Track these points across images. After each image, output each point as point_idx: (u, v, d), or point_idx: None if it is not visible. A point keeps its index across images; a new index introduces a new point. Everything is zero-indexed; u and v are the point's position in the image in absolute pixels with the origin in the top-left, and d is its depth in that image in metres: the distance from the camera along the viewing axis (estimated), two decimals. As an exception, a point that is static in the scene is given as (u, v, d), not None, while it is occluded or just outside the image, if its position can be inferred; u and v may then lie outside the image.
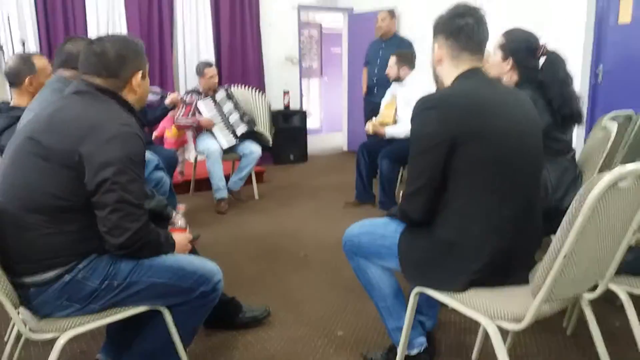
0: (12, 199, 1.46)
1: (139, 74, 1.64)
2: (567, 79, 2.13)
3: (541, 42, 2.17)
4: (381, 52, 5.23)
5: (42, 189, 1.45)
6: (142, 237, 1.52)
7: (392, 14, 5.30)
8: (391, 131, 4.08)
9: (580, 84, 4.69)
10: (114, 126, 1.47)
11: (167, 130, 4.73)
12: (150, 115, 4.16)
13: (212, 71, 4.57)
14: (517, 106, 1.60)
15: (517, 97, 1.65)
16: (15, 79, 2.28)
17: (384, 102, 4.45)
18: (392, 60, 4.14)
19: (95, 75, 1.59)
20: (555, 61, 2.13)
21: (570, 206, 1.25)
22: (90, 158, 1.43)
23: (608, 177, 1.22)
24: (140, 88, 1.66)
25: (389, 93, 4.47)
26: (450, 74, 1.64)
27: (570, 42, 4.56)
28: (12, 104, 2.41)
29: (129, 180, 1.47)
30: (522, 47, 2.15)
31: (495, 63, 2.18)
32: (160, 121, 4.48)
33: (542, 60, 2.17)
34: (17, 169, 1.49)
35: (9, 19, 4.73)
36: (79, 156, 1.43)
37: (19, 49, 4.62)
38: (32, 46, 4.95)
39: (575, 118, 2.14)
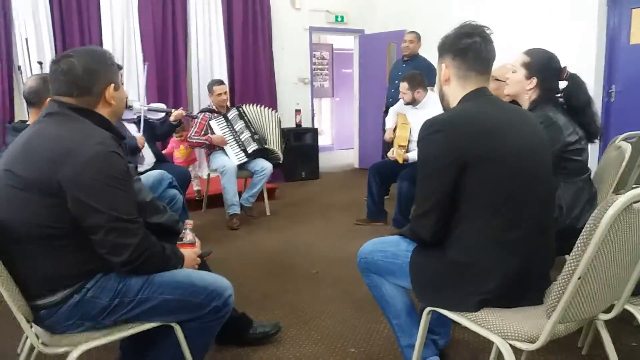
0: (7, 230, 1.45)
1: (111, 87, 1.58)
2: (590, 100, 2.19)
3: (561, 61, 2.19)
4: (401, 73, 5.28)
5: (26, 220, 1.43)
6: (145, 250, 1.51)
7: (418, 36, 5.33)
8: (413, 157, 4.05)
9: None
10: (88, 148, 1.42)
11: (175, 150, 4.81)
12: (158, 131, 4.23)
13: (222, 89, 4.64)
14: (525, 126, 1.60)
15: (524, 117, 1.65)
16: (35, 98, 2.30)
17: (389, 124, 4.45)
18: (404, 86, 4.10)
19: (66, 95, 1.53)
20: (579, 83, 2.17)
21: (585, 227, 1.25)
22: (69, 184, 1.40)
23: (623, 198, 1.21)
24: (115, 100, 1.60)
25: (392, 114, 4.47)
26: (456, 93, 1.65)
27: (582, 62, 4.57)
28: (29, 123, 2.45)
29: (114, 198, 1.44)
30: (547, 67, 2.15)
31: (517, 81, 2.17)
32: (168, 137, 4.55)
33: (562, 82, 2.19)
34: (3, 203, 1.47)
35: (27, 41, 4.85)
36: (57, 183, 1.40)
37: (36, 70, 4.72)
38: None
39: (596, 134, 2.20)
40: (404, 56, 5.34)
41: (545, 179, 1.61)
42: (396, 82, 5.25)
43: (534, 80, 2.14)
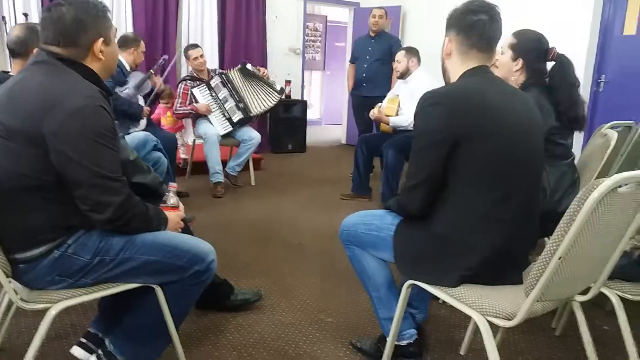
0: None
1: (100, 41, 1.51)
2: (575, 83, 2.14)
3: (550, 45, 2.18)
4: (370, 48, 5.32)
5: (11, 170, 1.40)
6: (128, 209, 1.49)
7: (386, 12, 5.37)
8: (395, 120, 4.11)
9: (581, 92, 4.70)
10: (74, 100, 1.38)
11: (162, 117, 4.75)
12: (145, 99, 4.13)
13: (198, 52, 4.53)
14: (522, 107, 1.61)
15: (521, 98, 1.65)
16: (21, 48, 2.23)
17: (388, 97, 4.47)
18: (400, 54, 4.15)
19: (54, 44, 1.48)
20: (566, 64, 2.14)
21: (569, 208, 1.26)
22: (54, 136, 1.36)
23: (609, 181, 1.23)
24: (104, 55, 1.54)
25: (392, 92, 4.49)
26: (457, 69, 1.64)
27: (574, 50, 4.56)
28: (11, 73, 2.39)
29: (99, 154, 1.41)
30: (533, 48, 2.15)
31: (504, 62, 2.17)
32: (154, 102, 4.47)
33: (549, 63, 2.18)
34: None
35: (13, -9, 4.69)
36: (41, 134, 1.36)
37: (21, 22, 4.58)
38: (35, 19, 4.90)
39: (580, 122, 2.15)
40: (371, 31, 5.32)
41: (536, 161, 1.62)
42: (368, 57, 5.27)
43: (520, 62, 2.15)
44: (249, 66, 4.70)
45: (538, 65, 2.16)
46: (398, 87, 4.34)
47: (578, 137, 4.48)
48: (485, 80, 1.61)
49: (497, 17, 1.60)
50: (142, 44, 4.00)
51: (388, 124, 4.16)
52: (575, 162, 2.29)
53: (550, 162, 2.11)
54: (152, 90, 4.11)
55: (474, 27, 1.58)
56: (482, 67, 1.61)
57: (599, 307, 2.33)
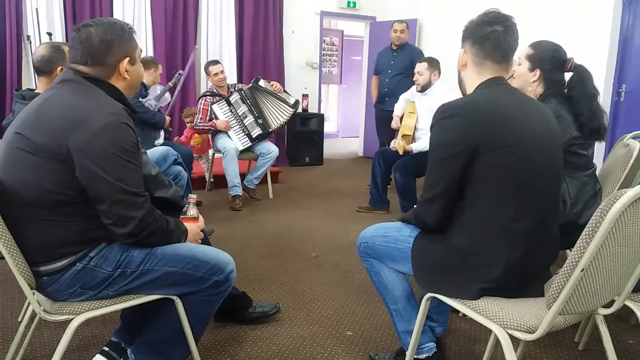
0: (13, 195, 1.46)
1: (126, 60, 1.58)
2: (595, 94, 2.12)
3: (568, 55, 2.17)
4: (392, 62, 5.31)
5: (36, 185, 1.43)
6: (149, 224, 1.52)
7: (407, 25, 5.38)
8: (418, 147, 4.00)
9: (602, 102, 4.65)
10: (100, 117, 1.43)
11: (191, 139, 4.83)
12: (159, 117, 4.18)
13: (218, 68, 4.60)
14: (539, 118, 1.60)
15: (539, 108, 1.64)
16: (46, 67, 2.29)
17: (397, 110, 4.42)
18: (422, 66, 3.99)
19: (81, 63, 1.54)
20: (584, 75, 2.12)
21: (591, 219, 1.24)
22: (79, 152, 1.40)
23: (631, 192, 1.21)
24: (129, 74, 1.60)
25: (402, 101, 4.43)
26: (472, 80, 1.64)
27: (594, 60, 4.53)
28: (37, 91, 2.44)
29: (123, 170, 1.45)
30: (550, 59, 2.13)
31: (522, 73, 2.17)
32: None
33: (568, 74, 2.17)
34: (10, 166, 1.48)
35: (37, 11, 4.84)
36: (67, 150, 1.40)
37: (45, 41, 4.71)
38: (59, 38, 5.05)
39: (601, 133, 2.12)
40: (393, 45, 5.33)
41: (554, 172, 1.61)
42: (389, 71, 5.26)
43: (538, 72, 2.14)
44: (261, 82, 4.75)
45: (556, 75, 2.15)
46: (413, 96, 4.24)
47: (599, 148, 4.43)
48: (502, 91, 1.60)
49: (513, 28, 1.59)
50: (160, 67, 4.21)
51: (411, 152, 4.01)
52: (597, 172, 2.25)
53: (571, 173, 2.08)
54: (170, 103, 4.31)
55: (489, 38, 1.58)
56: (498, 79, 1.61)
57: (623, 321, 2.28)
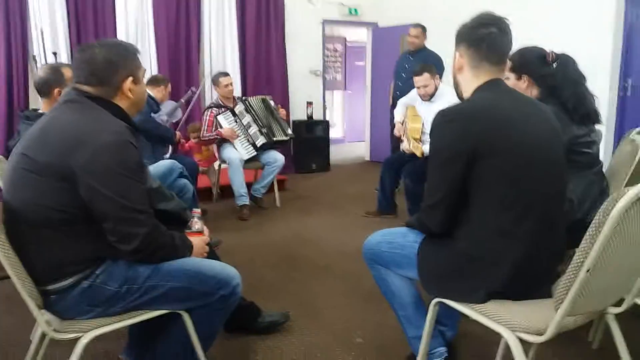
0: (19, 215, 1.47)
1: (129, 80, 1.59)
2: (579, 79, 2.08)
3: (572, 52, 2.14)
4: (407, 65, 5.29)
5: (41, 205, 1.45)
6: (153, 240, 1.53)
7: (424, 29, 5.32)
8: (426, 149, 4.00)
9: (608, 96, 4.61)
10: (103, 136, 1.44)
11: (197, 153, 4.86)
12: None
13: (228, 80, 4.65)
14: (539, 119, 1.58)
15: (539, 109, 1.63)
16: (44, 88, 2.31)
17: (398, 117, 4.39)
18: (425, 78, 3.90)
19: (85, 84, 1.56)
20: (566, 62, 2.09)
21: (595, 218, 1.23)
22: (83, 171, 1.41)
23: (635, 189, 1.20)
24: (133, 93, 1.61)
25: (401, 106, 4.41)
26: (469, 83, 1.63)
27: (597, 54, 4.50)
28: (40, 111, 2.47)
29: (126, 187, 1.46)
30: (530, 59, 2.11)
31: (512, 85, 2.12)
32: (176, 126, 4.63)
33: (554, 66, 2.14)
34: (15, 187, 1.50)
35: (42, 32, 4.89)
36: (70, 169, 1.41)
37: (51, 60, 4.74)
38: (64, 58, 5.10)
39: (593, 117, 2.08)
40: (410, 50, 5.32)
41: (558, 173, 1.59)
42: (403, 75, 5.25)
43: (525, 78, 2.12)
44: (271, 102, 4.89)
45: (542, 71, 2.11)
46: (413, 101, 4.22)
47: (607, 144, 4.39)
48: (500, 94, 1.59)
49: (507, 29, 1.59)
50: (169, 84, 4.30)
51: (422, 155, 3.97)
52: (605, 169, 2.23)
53: (576, 172, 2.06)
54: (180, 119, 4.39)
55: (485, 40, 1.57)
56: (495, 81, 1.60)
57: (637, 318, 2.24)
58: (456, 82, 1.71)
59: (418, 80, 3.95)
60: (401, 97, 5.09)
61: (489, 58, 1.58)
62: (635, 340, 2.15)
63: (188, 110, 4.81)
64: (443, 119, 1.55)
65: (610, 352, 2.05)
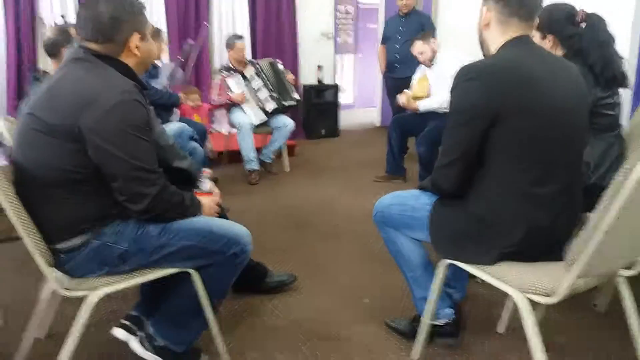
0: (29, 175, 1.47)
1: (136, 36, 1.55)
2: (608, 40, 2.00)
3: (578, 8, 2.06)
4: (401, 28, 5.22)
5: (50, 165, 1.45)
6: (163, 199, 1.52)
7: None
8: (425, 104, 4.01)
9: (628, 59, 4.46)
10: (110, 95, 1.42)
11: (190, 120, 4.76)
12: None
13: (243, 44, 4.58)
14: (567, 80, 1.52)
15: (567, 69, 1.56)
16: (52, 49, 2.30)
17: (416, 76, 4.37)
18: (419, 46, 4.02)
19: (91, 41, 1.52)
20: (596, 23, 2.01)
21: (615, 179, 1.20)
22: (91, 131, 1.40)
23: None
24: (140, 51, 1.57)
25: (419, 70, 4.39)
26: (496, 39, 1.56)
27: (620, 17, 4.33)
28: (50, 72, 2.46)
29: (135, 147, 1.45)
30: (557, 17, 2.03)
31: None
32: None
33: (582, 26, 2.06)
34: (25, 146, 1.49)
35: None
36: (78, 129, 1.40)
37: (60, 22, 4.71)
38: (72, 20, 5.03)
39: (619, 80, 2.01)
40: (401, 12, 5.23)
41: (580, 135, 1.55)
42: (398, 37, 5.18)
43: (550, 37, 2.05)
44: (280, 66, 4.80)
45: (569, 32, 2.03)
46: (424, 71, 4.23)
47: (626, 107, 4.27)
48: (527, 51, 1.52)
49: None
50: (164, 35, 4.09)
51: (417, 111, 4.05)
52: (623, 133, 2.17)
53: (596, 134, 2.00)
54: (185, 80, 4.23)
55: None
56: (523, 37, 1.53)
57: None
58: (482, 39, 1.63)
59: (415, 49, 4.08)
60: (400, 59, 5.11)
61: (519, 13, 1.51)
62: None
63: (189, 68, 4.53)
64: (465, 77, 1.49)
65: (616, 316, 2.05)
